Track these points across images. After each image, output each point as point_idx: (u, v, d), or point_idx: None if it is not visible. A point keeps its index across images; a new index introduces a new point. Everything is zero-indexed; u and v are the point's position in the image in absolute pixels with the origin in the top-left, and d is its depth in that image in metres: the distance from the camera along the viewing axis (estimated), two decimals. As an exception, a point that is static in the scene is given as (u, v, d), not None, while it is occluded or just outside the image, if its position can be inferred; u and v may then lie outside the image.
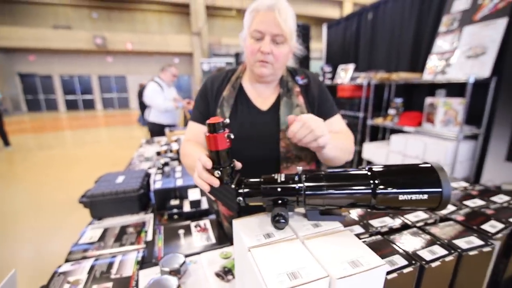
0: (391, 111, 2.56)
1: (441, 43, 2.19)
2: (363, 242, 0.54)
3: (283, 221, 0.47)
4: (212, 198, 0.56)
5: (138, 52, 13.15)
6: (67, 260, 0.84)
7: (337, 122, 0.88)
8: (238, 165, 0.58)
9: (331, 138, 0.65)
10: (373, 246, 0.53)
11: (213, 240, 0.93)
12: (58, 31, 11.71)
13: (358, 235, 0.57)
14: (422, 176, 0.46)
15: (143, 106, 3.75)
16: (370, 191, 0.46)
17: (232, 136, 0.52)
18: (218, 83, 0.88)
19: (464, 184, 0.93)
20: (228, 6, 12.67)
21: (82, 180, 3.61)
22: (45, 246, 2.23)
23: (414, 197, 0.45)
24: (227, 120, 0.51)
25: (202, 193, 1.19)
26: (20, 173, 4.23)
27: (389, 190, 0.45)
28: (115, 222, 1.08)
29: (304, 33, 3.86)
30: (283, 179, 0.50)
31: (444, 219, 0.67)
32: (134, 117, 11.42)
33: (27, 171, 4.29)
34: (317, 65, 4.87)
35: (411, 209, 0.48)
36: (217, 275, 0.74)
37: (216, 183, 0.52)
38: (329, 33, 4.11)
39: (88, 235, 0.98)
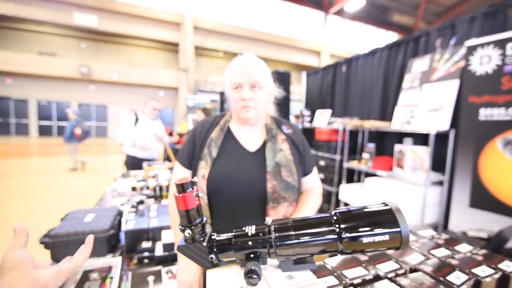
0: (365, 155, 2.71)
1: (405, 97, 2.45)
2: (337, 295, 0.55)
3: (255, 277, 0.47)
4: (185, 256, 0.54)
5: (122, 83, 13.23)
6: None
7: (314, 177, 1.00)
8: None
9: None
10: (346, 300, 0.53)
11: (185, 289, 0.87)
12: (42, 57, 11.66)
13: (331, 287, 0.57)
14: (382, 218, 0.47)
15: None
16: (336, 236, 0.48)
17: (201, 195, 0.52)
18: (207, 127, 0.95)
19: (432, 232, 0.98)
20: (215, 47, 13.49)
21: (44, 216, 3.30)
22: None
23: (377, 238, 0.46)
24: (195, 179, 0.53)
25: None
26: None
27: (354, 234, 0.47)
28: (78, 266, 0.99)
29: (285, 79, 4.17)
30: (253, 232, 0.51)
31: (413, 269, 0.70)
32: (112, 147, 11.04)
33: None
34: (297, 107, 5.15)
35: (376, 250, 0.49)
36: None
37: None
38: (308, 80, 4.45)
39: (44, 282, 0.88)
